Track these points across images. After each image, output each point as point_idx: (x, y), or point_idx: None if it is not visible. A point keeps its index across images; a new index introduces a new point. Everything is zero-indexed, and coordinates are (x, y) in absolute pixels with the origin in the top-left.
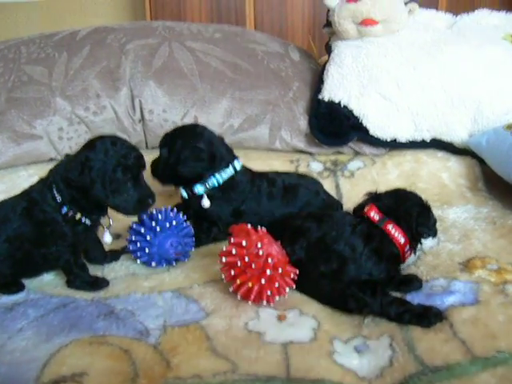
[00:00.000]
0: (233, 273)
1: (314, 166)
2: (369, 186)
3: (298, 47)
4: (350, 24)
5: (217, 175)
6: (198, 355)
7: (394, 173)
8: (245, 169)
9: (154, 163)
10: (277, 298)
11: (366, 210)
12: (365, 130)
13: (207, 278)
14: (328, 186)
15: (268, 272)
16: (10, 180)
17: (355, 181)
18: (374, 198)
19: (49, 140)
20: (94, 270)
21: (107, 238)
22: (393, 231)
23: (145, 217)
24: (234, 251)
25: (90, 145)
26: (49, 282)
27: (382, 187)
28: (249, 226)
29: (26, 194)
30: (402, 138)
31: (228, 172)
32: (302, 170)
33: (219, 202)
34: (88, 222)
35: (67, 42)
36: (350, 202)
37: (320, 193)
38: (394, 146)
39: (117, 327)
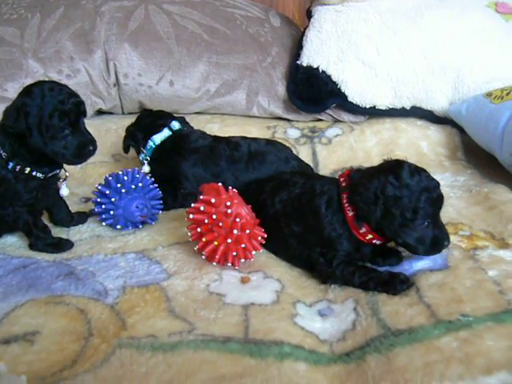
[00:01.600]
0: (199, 230)
1: (291, 133)
2: (346, 153)
3: (279, 13)
4: None
5: (154, 138)
6: (154, 316)
7: (372, 140)
8: (193, 129)
9: None
10: (242, 260)
11: (339, 174)
12: (344, 97)
13: (173, 240)
14: (304, 152)
15: (235, 232)
16: None
17: (332, 148)
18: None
19: None
20: (60, 233)
21: (63, 191)
22: (345, 201)
23: (110, 178)
24: (202, 208)
25: (27, 90)
26: (12, 244)
27: (360, 155)
28: (219, 184)
29: None
30: (382, 105)
31: (164, 133)
32: (279, 136)
33: (168, 162)
34: (40, 175)
35: (41, 2)
36: (326, 169)
37: (290, 159)
38: (373, 113)
39: (75, 287)
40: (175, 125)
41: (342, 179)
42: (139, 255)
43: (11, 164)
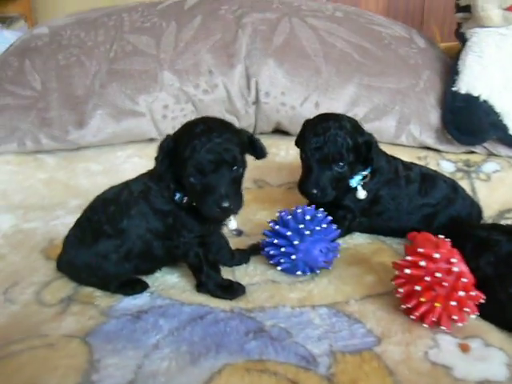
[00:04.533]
0: (418, 288)
1: (444, 165)
2: (508, 192)
3: (420, 33)
4: (496, 9)
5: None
6: None
7: None
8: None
9: (313, 182)
10: (460, 324)
11: None
12: (504, 129)
13: (362, 291)
14: None
15: (460, 294)
16: (106, 160)
17: (493, 185)
18: None
19: (151, 118)
20: (223, 273)
21: (232, 224)
22: None
23: (289, 217)
24: (423, 263)
25: (180, 131)
26: (174, 285)
27: None
28: (441, 237)
29: (141, 179)
30: None
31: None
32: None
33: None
34: None
35: (174, 11)
36: (489, 209)
37: (458, 189)
38: None
39: (274, 350)
40: None
41: None
42: (332, 310)
43: (178, 195)
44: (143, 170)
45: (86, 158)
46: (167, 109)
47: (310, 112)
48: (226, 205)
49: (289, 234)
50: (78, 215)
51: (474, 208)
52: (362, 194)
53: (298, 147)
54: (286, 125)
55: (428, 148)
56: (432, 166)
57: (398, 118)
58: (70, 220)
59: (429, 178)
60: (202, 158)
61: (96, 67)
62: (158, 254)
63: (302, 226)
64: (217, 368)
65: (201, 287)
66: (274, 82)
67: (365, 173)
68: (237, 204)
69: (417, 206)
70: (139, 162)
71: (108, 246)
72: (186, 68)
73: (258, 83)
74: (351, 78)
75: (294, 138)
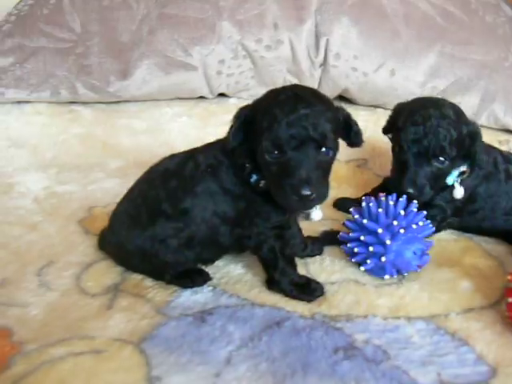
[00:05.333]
0: None
1: None
2: None
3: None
4: None
5: None
6: None
7: None
8: None
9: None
10: None
11: None
12: None
13: (461, 302)
14: None
15: None
16: (150, 117)
17: None
18: None
19: (204, 73)
20: None
21: (315, 215)
22: None
23: (380, 210)
24: None
25: (262, 99)
26: (240, 279)
27: None
28: None
29: (210, 150)
30: None
31: None
32: None
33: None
34: None
35: None
36: None
37: None
38: None
39: (373, 376)
40: None
41: None
42: (431, 325)
43: (254, 177)
44: (192, 132)
45: (128, 113)
46: (223, 64)
47: (384, 79)
48: (306, 192)
49: (380, 231)
50: (118, 180)
51: None
52: (459, 192)
53: (386, 134)
54: (355, 92)
55: (509, 131)
56: None
57: (482, 95)
58: (110, 185)
59: None
60: (282, 132)
61: (144, 10)
62: (223, 242)
63: (395, 221)
64: None
65: (273, 285)
66: (347, 43)
67: (463, 168)
68: (321, 193)
69: None
70: (188, 122)
71: (167, 229)
72: (248, 19)
73: (329, 43)
74: (433, 44)
75: (361, 108)
